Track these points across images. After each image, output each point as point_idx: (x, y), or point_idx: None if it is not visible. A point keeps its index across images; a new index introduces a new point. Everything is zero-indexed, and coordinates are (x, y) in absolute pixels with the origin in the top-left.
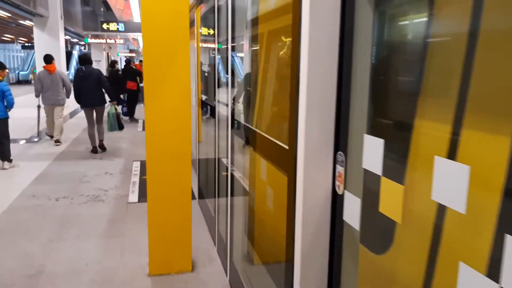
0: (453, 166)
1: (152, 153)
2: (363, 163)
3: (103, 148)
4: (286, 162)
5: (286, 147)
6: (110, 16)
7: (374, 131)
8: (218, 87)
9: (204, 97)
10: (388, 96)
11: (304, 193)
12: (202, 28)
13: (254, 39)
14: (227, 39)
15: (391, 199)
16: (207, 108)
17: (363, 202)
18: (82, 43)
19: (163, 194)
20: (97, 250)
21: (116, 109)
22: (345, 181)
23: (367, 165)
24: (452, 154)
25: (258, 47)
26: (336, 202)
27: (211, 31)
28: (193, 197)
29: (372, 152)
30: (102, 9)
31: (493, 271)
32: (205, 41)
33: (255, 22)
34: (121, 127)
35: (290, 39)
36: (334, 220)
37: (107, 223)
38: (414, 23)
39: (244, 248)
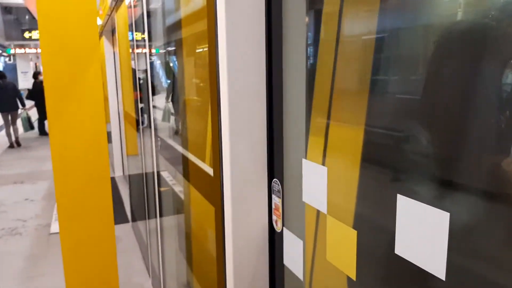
0: (422, 209)
1: (61, 176)
2: (303, 195)
3: (18, 144)
4: (212, 191)
5: (211, 173)
6: (36, 24)
7: (315, 155)
8: (154, 94)
9: (141, 105)
10: (332, 108)
11: (233, 230)
12: (135, 33)
13: (178, 45)
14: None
15: (342, 246)
16: (145, 117)
17: (306, 246)
18: (6, 54)
19: (79, 224)
20: None
21: (27, 114)
22: (283, 216)
23: (308, 199)
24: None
25: (181, 55)
26: (275, 241)
27: (144, 36)
28: (126, 220)
29: (313, 182)
30: (27, 17)
31: None
32: (138, 47)
33: (179, 25)
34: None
35: (207, 44)
36: (273, 264)
37: (24, 261)
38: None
39: (181, 279)
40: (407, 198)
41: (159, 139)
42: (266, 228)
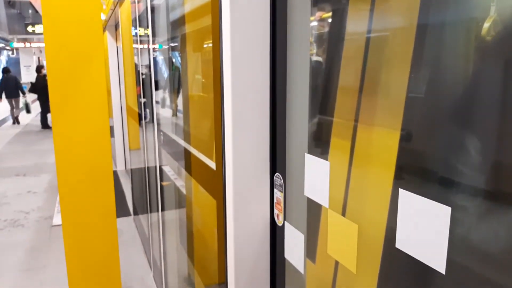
0: (422, 203)
1: (64, 169)
2: (305, 190)
3: (18, 121)
4: (214, 185)
5: (214, 167)
6: (39, 18)
7: (317, 150)
8: (157, 89)
9: (143, 100)
10: (335, 103)
11: (235, 223)
12: (139, 28)
13: (182, 41)
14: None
15: (343, 240)
16: (147, 112)
17: (307, 239)
18: (9, 48)
19: (81, 217)
20: None
21: (26, 100)
22: (284, 210)
23: (310, 193)
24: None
25: (184, 50)
26: (276, 235)
27: (147, 31)
28: (128, 214)
29: (315, 177)
30: (30, 11)
31: None
32: (141, 42)
33: (182, 22)
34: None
35: (211, 40)
36: (274, 258)
37: (26, 253)
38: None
39: (182, 272)
40: (409, 193)
41: (161, 133)
42: (268, 221)
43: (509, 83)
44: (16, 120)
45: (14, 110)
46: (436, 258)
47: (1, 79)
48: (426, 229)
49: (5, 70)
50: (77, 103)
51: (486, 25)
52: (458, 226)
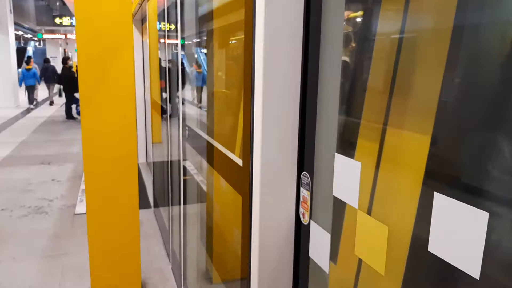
0: (462, 208)
1: (91, 159)
2: (334, 189)
3: (52, 103)
4: (240, 181)
5: (240, 163)
6: (66, 11)
7: (348, 150)
8: (182, 83)
9: (167, 95)
10: (366, 104)
11: (261, 220)
12: (162, 23)
13: (210, 36)
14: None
15: (371, 241)
16: (171, 106)
17: (333, 239)
18: (36, 38)
19: (105, 206)
20: (34, 274)
21: (60, 86)
22: (310, 209)
23: (338, 193)
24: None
25: (212, 45)
26: (301, 233)
27: (173, 26)
28: (148, 206)
29: (345, 177)
30: (58, 4)
31: None
32: (168, 37)
33: (210, 17)
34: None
35: (243, 35)
36: (298, 256)
37: (49, 239)
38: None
39: (201, 265)
40: (444, 196)
41: (187, 128)
42: (293, 220)
43: None
44: (51, 102)
45: (50, 94)
46: (470, 263)
47: (42, 68)
48: (461, 234)
49: (46, 60)
50: (106, 95)
51: None
52: (495, 232)
